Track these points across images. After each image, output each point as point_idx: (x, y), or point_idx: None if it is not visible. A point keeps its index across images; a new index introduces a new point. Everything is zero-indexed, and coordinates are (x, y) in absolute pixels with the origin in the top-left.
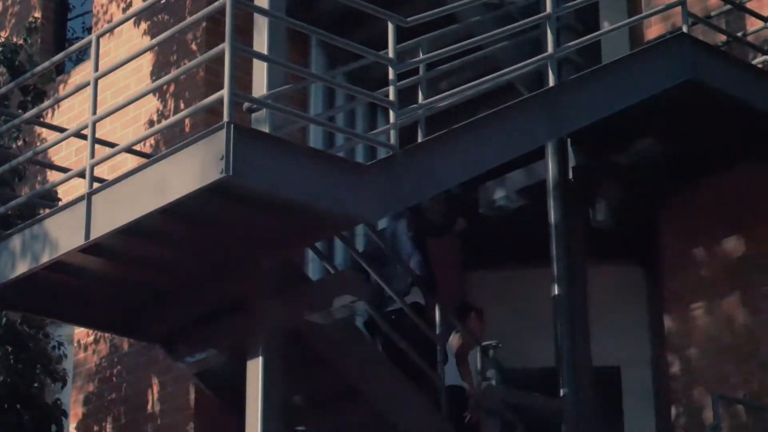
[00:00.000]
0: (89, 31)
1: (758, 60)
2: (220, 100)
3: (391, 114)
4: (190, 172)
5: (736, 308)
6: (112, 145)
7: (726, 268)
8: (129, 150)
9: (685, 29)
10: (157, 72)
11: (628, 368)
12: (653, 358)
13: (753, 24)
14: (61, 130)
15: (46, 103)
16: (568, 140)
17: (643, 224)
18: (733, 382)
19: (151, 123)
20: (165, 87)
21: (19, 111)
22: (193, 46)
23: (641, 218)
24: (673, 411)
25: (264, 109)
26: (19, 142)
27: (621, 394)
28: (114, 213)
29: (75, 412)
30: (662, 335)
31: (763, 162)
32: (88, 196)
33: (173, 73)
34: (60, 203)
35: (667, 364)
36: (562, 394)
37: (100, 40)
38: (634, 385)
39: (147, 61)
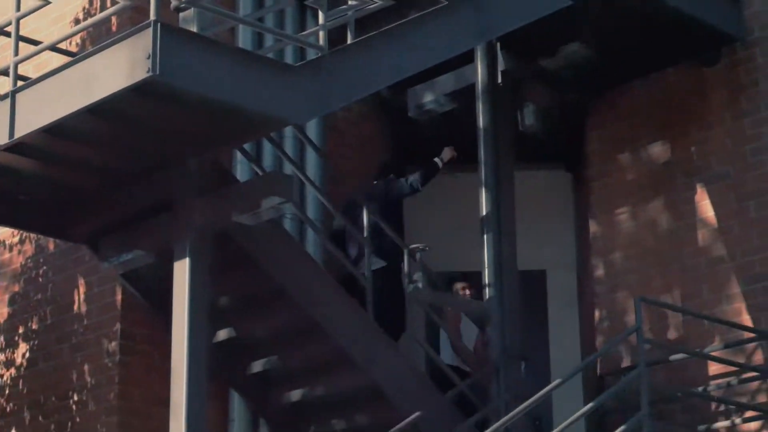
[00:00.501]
0: None
1: None
2: None
3: (321, 15)
4: (116, 70)
5: (661, 213)
6: (36, 43)
7: (651, 172)
8: (54, 48)
9: None
10: None
11: (553, 272)
12: (578, 262)
13: None
14: None
15: None
16: (497, 44)
17: (571, 129)
18: (656, 285)
19: (77, 22)
20: None
21: None
22: None
23: (569, 123)
24: (597, 314)
25: (192, 9)
26: None
27: (546, 298)
28: (39, 112)
29: (0, 312)
30: (587, 239)
31: (689, 65)
32: (12, 95)
33: None
34: None
35: (592, 268)
36: (487, 297)
37: None
38: (559, 289)
39: None
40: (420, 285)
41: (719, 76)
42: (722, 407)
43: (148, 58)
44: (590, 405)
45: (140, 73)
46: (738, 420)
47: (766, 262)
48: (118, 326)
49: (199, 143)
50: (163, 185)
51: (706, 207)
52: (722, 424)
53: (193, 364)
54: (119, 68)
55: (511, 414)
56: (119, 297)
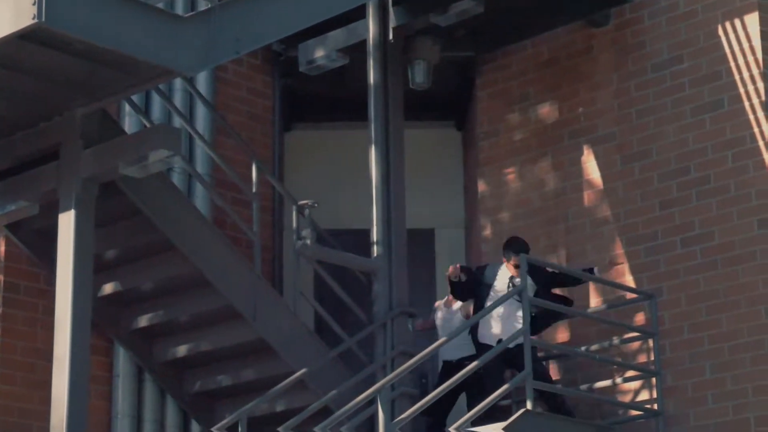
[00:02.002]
0: None
1: None
2: None
3: None
4: (2, 17)
5: (547, 173)
6: None
7: (539, 132)
8: None
9: None
10: None
11: (441, 230)
12: (466, 220)
13: None
14: None
15: None
16: (390, 0)
17: (461, 87)
18: (542, 245)
19: None
20: None
21: None
22: None
23: (459, 81)
24: None
25: None
26: None
27: (434, 256)
28: None
29: None
30: (475, 198)
31: (579, 26)
32: None
33: None
34: None
35: (480, 227)
36: (375, 254)
37: None
38: (447, 247)
39: None
40: (308, 241)
41: (608, 37)
42: (604, 366)
43: (34, 4)
44: (474, 364)
45: (26, 20)
46: (619, 379)
47: (649, 223)
48: (1, 278)
49: (86, 93)
50: (49, 135)
51: (591, 168)
52: (603, 383)
53: (78, 318)
54: (5, 15)
55: (397, 370)
56: (2, 248)
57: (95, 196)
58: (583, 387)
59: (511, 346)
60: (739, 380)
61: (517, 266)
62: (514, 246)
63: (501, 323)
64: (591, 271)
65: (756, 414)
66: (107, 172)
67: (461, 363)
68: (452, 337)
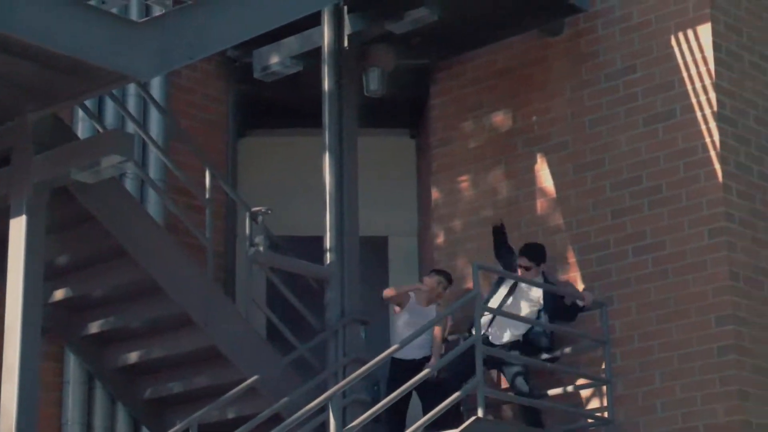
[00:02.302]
0: None
1: None
2: None
3: None
4: None
5: (501, 181)
6: None
7: (493, 140)
8: None
9: None
10: None
11: (394, 238)
12: (420, 228)
13: None
14: None
15: None
16: (345, 7)
17: (415, 95)
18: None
19: None
20: None
21: None
22: None
23: (413, 89)
24: None
25: None
26: None
27: (387, 263)
28: None
29: None
30: (429, 206)
31: (534, 35)
32: None
33: None
34: None
35: (433, 235)
36: (328, 262)
37: None
38: (400, 255)
39: None
40: (261, 248)
41: (562, 46)
42: (555, 374)
43: None
44: (426, 371)
45: None
46: (570, 387)
47: (601, 232)
48: None
49: (39, 97)
50: (0, 139)
51: (545, 176)
52: (555, 391)
53: (28, 324)
54: None
55: (349, 378)
56: None
57: (46, 201)
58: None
59: (502, 341)
60: (688, 389)
61: (523, 267)
62: (524, 249)
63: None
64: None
65: (705, 422)
66: (59, 177)
67: (421, 363)
68: (403, 344)
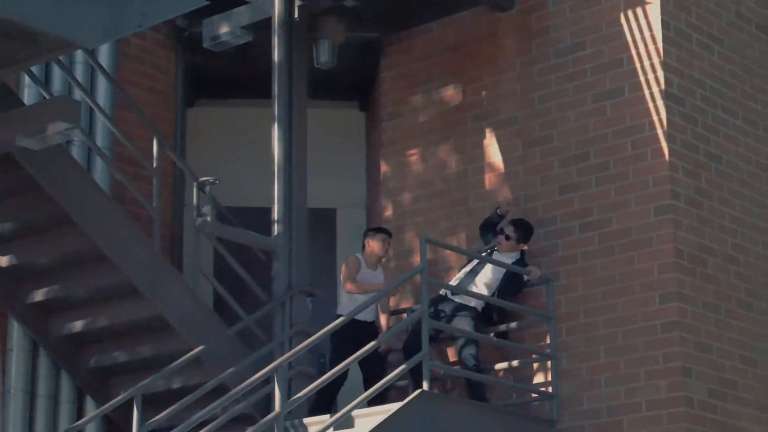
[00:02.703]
0: None
1: None
2: None
3: None
4: None
5: (450, 155)
6: None
7: (442, 114)
8: None
9: None
10: None
11: (343, 210)
12: (368, 201)
13: None
14: None
15: None
16: None
17: (365, 67)
18: (443, 226)
19: None
20: None
21: None
22: None
23: (363, 61)
24: None
25: None
26: None
27: (335, 236)
28: None
29: None
30: (378, 179)
31: (483, 9)
32: None
33: None
34: None
35: (381, 208)
36: (276, 233)
37: None
38: (349, 227)
39: None
40: (209, 218)
41: (512, 21)
42: (500, 349)
43: None
44: (372, 344)
45: None
46: (515, 362)
47: (549, 208)
48: None
49: None
50: None
51: (493, 151)
52: (500, 365)
53: None
54: None
55: (294, 349)
56: None
57: None
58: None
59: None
60: (632, 364)
61: (504, 235)
62: (518, 220)
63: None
64: (498, 210)
65: (647, 398)
66: (4, 143)
67: (372, 325)
68: (349, 317)
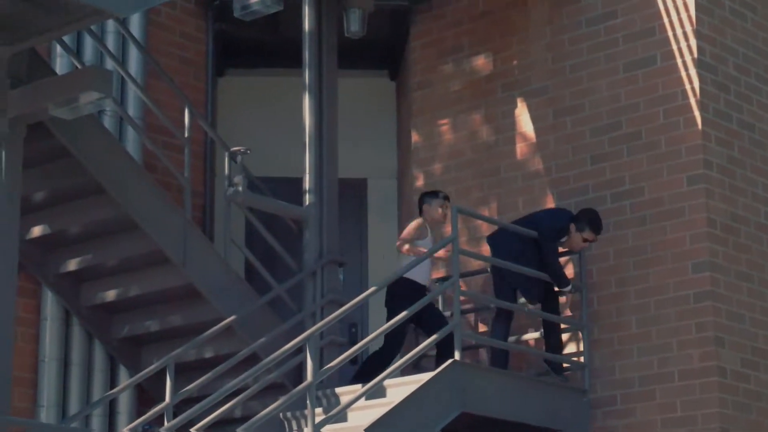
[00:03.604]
0: None
1: None
2: None
3: None
4: None
5: (480, 125)
6: None
7: (472, 84)
8: None
9: None
10: None
11: (374, 180)
12: (399, 171)
13: None
14: None
15: None
16: None
17: (395, 37)
18: (475, 196)
19: None
20: None
21: None
22: None
23: (393, 30)
24: None
25: None
26: None
27: (366, 206)
28: None
29: None
30: (408, 149)
31: None
32: None
33: None
34: None
35: (412, 178)
36: (307, 203)
37: None
38: (379, 198)
39: None
40: (240, 188)
41: None
42: (531, 318)
43: None
44: (404, 313)
45: None
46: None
47: (580, 177)
48: None
49: (14, 32)
50: None
51: (524, 121)
52: (531, 335)
53: (4, 260)
54: None
55: (326, 319)
56: None
57: (23, 136)
58: (511, 339)
59: None
60: (664, 334)
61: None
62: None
63: None
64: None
65: (679, 368)
66: (36, 112)
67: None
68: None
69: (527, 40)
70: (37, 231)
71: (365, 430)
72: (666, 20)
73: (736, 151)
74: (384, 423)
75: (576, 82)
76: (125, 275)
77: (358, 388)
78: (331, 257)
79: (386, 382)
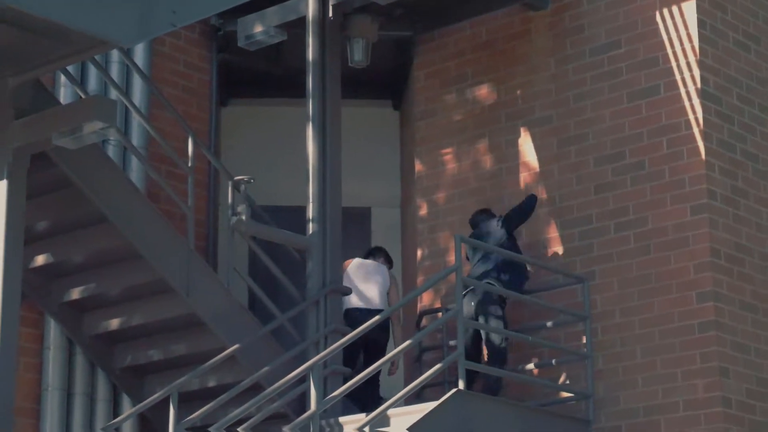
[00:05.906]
0: None
1: None
2: None
3: None
4: None
5: (484, 154)
6: None
7: (476, 113)
8: None
9: None
10: None
11: (377, 209)
12: (403, 200)
13: None
14: None
15: None
16: None
17: (399, 66)
18: None
19: None
20: None
21: None
22: None
23: (397, 60)
24: (419, 252)
25: None
26: None
27: (370, 235)
28: None
29: None
30: (412, 178)
31: (516, 8)
32: None
33: None
34: None
35: (416, 207)
36: (310, 232)
37: None
38: (383, 226)
39: None
40: (243, 217)
41: (546, 21)
42: (535, 348)
43: None
44: (407, 342)
45: None
46: (553, 361)
47: (584, 206)
48: None
49: (19, 62)
50: None
51: (528, 150)
52: (529, 365)
53: (8, 289)
54: None
55: (330, 348)
56: None
57: (27, 166)
58: (520, 367)
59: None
60: (668, 364)
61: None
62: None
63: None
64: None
65: (684, 398)
66: (40, 142)
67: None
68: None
69: (531, 69)
70: (40, 260)
71: None
72: (670, 50)
73: (739, 181)
74: None
75: (580, 111)
76: (128, 304)
77: (362, 418)
78: (334, 286)
79: (390, 412)
